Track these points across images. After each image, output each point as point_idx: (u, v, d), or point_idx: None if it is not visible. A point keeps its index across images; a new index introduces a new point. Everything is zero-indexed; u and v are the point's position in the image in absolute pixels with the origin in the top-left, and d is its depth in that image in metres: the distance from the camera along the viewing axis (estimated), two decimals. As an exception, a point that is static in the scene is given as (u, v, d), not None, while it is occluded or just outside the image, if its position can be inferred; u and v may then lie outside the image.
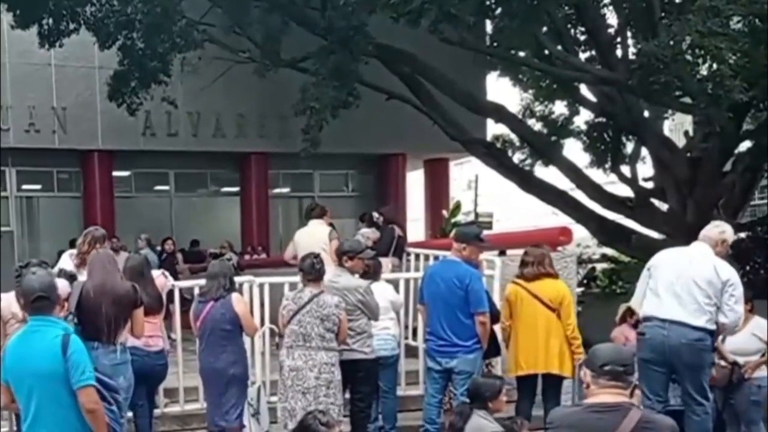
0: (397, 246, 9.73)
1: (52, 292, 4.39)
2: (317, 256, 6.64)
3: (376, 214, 10.46)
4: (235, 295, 6.65)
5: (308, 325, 6.39)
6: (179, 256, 14.74)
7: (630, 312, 8.22)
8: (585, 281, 14.54)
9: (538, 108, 15.56)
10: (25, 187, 18.11)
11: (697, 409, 6.10)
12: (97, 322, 5.73)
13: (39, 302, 4.31)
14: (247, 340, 7.08)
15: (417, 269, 9.23)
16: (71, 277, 6.83)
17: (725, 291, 5.98)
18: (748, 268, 12.60)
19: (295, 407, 6.35)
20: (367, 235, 9.81)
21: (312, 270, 6.50)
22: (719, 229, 6.36)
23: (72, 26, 12.63)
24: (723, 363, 6.88)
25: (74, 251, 7.10)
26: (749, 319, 7.07)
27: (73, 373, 4.17)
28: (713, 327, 6.02)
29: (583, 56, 13.30)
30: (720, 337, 6.54)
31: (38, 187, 18.40)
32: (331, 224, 9.51)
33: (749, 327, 7.05)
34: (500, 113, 13.96)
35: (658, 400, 6.08)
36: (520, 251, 8.28)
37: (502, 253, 8.85)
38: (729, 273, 6.04)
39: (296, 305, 6.48)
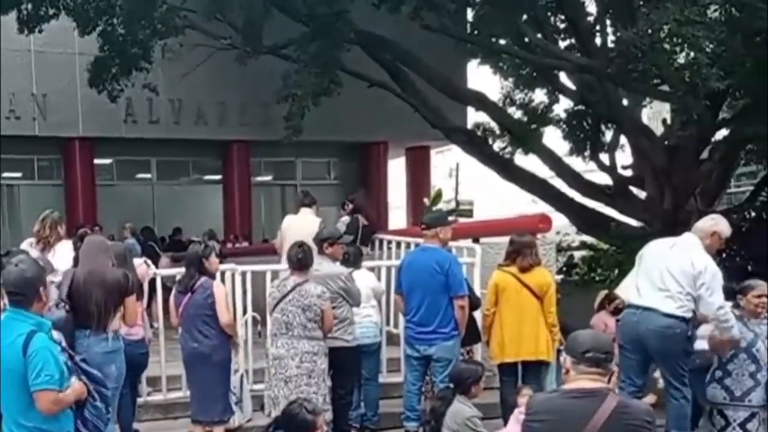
0: (363, 235, 9.74)
1: (27, 287, 4.23)
2: (302, 245, 6.65)
3: (346, 201, 10.48)
4: (215, 282, 6.65)
5: (290, 314, 6.42)
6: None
7: (608, 299, 8.33)
8: (564, 269, 14.61)
9: (519, 96, 15.60)
10: (5, 175, 17.96)
11: (675, 394, 6.15)
12: (87, 310, 5.72)
13: (11, 296, 4.24)
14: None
15: (398, 257, 9.28)
16: None
17: (699, 282, 5.94)
18: (724, 255, 12.71)
19: (278, 395, 6.40)
20: (346, 222, 9.87)
21: (295, 259, 6.53)
22: (712, 222, 6.33)
23: (52, 12, 12.51)
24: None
25: (33, 240, 7.09)
26: None
27: (30, 374, 4.06)
28: (686, 315, 6.00)
29: (562, 44, 13.36)
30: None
31: (19, 175, 18.28)
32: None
33: None
34: (481, 101, 14.00)
35: (630, 383, 6.16)
36: (499, 239, 8.35)
37: (476, 240, 8.90)
38: (703, 264, 5.99)
39: (280, 293, 6.52)
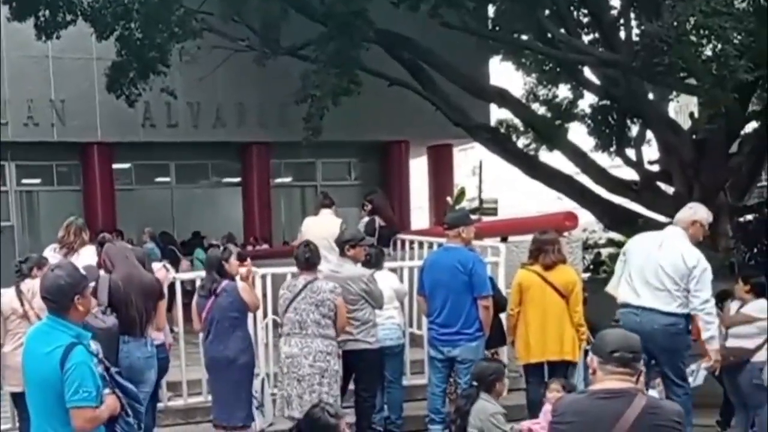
0: (380, 236, 9.62)
1: (60, 294, 3.99)
2: (308, 244, 6.64)
3: (365, 202, 10.34)
4: (239, 284, 6.59)
5: (303, 312, 6.38)
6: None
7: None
8: (591, 266, 14.43)
9: (542, 92, 15.48)
10: (24, 181, 18.08)
11: (677, 390, 6.22)
12: (129, 315, 5.69)
13: (46, 302, 4.07)
14: (250, 330, 7.01)
15: (420, 257, 9.12)
16: None
17: (692, 277, 6.03)
18: (755, 250, 12.49)
19: (291, 394, 6.38)
20: (365, 223, 9.76)
21: (303, 258, 6.52)
22: (691, 211, 6.40)
23: (69, 17, 12.52)
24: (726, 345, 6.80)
25: (56, 245, 7.07)
26: (749, 302, 7.00)
27: (67, 390, 3.87)
28: (685, 311, 6.11)
29: (586, 39, 13.19)
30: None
31: (38, 181, 18.37)
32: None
33: (749, 309, 6.97)
34: (503, 98, 13.85)
35: None
36: (524, 237, 8.19)
37: (504, 239, 8.75)
38: (695, 259, 6.07)
39: (291, 293, 6.50)
